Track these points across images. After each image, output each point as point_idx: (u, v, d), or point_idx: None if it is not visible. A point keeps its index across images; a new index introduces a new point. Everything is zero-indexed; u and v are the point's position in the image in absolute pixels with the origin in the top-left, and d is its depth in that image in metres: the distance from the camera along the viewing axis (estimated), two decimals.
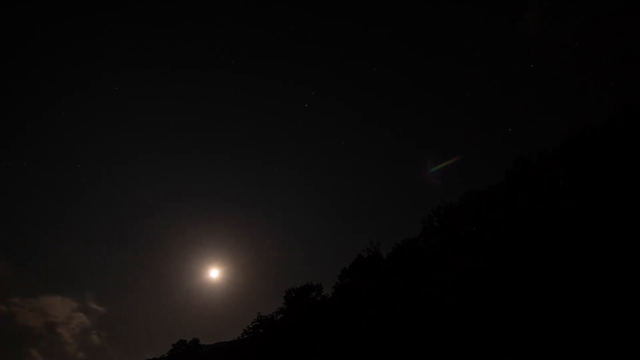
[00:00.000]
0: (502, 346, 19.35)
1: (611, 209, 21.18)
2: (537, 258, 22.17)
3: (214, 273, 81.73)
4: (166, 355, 57.30)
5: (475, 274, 24.43)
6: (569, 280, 20.18)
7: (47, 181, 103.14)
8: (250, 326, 45.00)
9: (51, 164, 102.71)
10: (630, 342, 14.73)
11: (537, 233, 23.15)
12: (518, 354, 18.03)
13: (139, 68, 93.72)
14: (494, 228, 26.17)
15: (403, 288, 28.83)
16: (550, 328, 18.41)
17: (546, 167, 26.62)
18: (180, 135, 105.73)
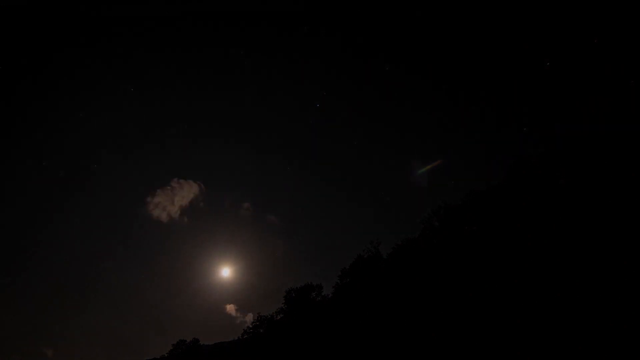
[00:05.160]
0: (502, 346, 19.33)
1: (612, 209, 21.16)
2: (537, 258, 22.15)
3: (225, 272, 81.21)
4: (166, 355, 57.22)
5: (476, 274, 24.41)
6: (570, 280, 20.15)
7: (63, 180, 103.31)
8: (250, 326, 45.07)
9: (67, 164, 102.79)
10: (630, 342, 14.71)
11: (538, 233, 23.14)
12: (518, 354, 18.01)
13: (153, 68, 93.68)
14: (495, 228, 26.17)
15: (403, 288, 28.81)
16: (550, 328, 18.38)
17: (547, 166, 26.62)
18: (193, 134, 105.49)
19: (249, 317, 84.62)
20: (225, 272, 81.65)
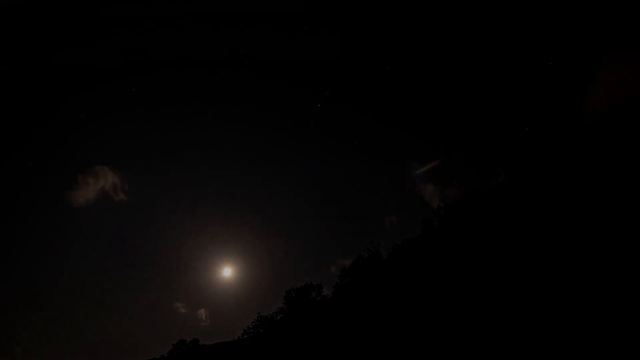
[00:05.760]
0: (502, 346, 19.33)
1: (612, 208, 21.16)
2: (537, 258, 22.15)
3: (227, 272, 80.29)
4: (166, 355, 57.28)
5: (476, 274, 24.41)
6: (570, 280, 20.15)
7: (63, 181, 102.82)
8: (250, 326, 45.14)
9: (68, 164, 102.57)
10: (630, 342, 14.69)
11: (538, 233, 23.14)
12: (518, 354, 18.00)
13: (153, 69, 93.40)
14: (494, 228, 26.18)
15: (403, 288, 28.82)
16: (550, 328, 18.38)
17: (547, 166, 26.64)
18: (194, 135, 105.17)
19: (202, 313, 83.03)
20: (230, 271, 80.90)
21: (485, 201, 29.26)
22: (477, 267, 24.67)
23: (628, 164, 22.17)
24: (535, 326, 19.02)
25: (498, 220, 26.54)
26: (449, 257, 27.43)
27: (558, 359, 17.13)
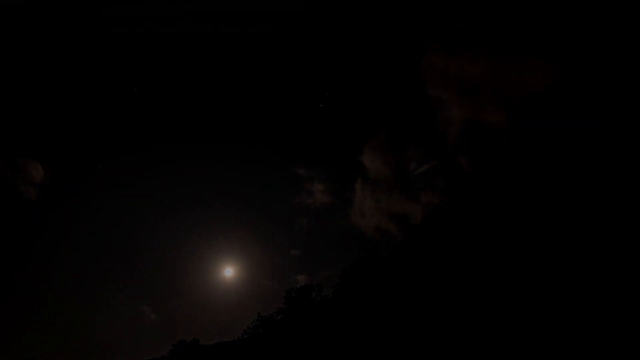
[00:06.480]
0: (502, 346, 19.34)
1: (613, 208, 21.17)
2: (537, 258, 22.16)
3: (228, 272, 79.72)
4: (166, 355, 57.32)
5: (476, 274, 24.41)
6: (570, 280, 20.16)
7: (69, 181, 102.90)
8: (251, 326, 45.26)
9: (69, 164, 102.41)
10: (630, 342, 14.70)
11: (538, 232, 23.15)
12: (518, 354, 18.01)
13: (153, 68, 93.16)
14: (495, 227, 26.19)
15: (403, 288, 28.83)
16: (550, 328, 18.39)
17: (547, 165, 26.63)
18: (196, 135, 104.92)
19: (147, 309, 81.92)
20: (232, 271, 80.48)
21: (485, 200, 29.27)
22: (477, 267, 24.68)
23: (629, 165, 22.18)
24: (535, 326, 19.03)
25: (498, 220, 26.54)
26: (449, 257, 27.44)
27: (558, 359, 17.15)
